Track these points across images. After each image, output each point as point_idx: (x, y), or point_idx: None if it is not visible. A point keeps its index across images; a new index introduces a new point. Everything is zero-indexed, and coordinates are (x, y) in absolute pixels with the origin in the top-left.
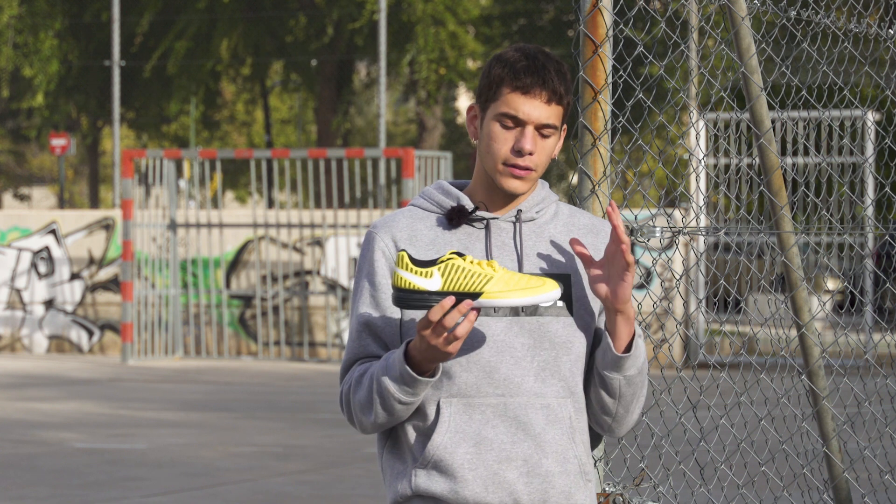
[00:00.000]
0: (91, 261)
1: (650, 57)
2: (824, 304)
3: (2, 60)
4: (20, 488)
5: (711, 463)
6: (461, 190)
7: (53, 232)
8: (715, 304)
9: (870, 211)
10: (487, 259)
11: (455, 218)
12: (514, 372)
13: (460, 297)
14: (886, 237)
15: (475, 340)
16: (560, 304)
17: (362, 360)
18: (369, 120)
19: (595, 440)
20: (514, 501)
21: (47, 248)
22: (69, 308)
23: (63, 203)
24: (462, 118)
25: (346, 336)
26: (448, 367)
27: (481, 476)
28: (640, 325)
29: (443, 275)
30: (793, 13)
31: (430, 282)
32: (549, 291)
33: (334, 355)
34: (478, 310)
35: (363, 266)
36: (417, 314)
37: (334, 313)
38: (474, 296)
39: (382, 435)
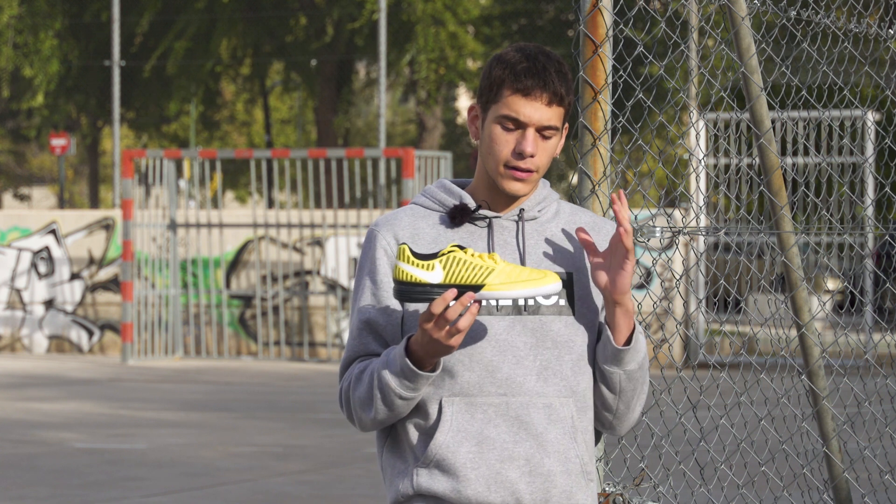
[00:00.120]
0: (91, 261)
1: (650, 57)
2: (824, 304)
3: (2, 60)
4: (20, 488)
5: (711, 463)
6: (463, 188)
7: (53, 232)
8: (715, 304)
9: (870, 211)
10: None
11: (458, 216)
12: (516, 371)
13: (462, 289)
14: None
15: (477, 339)
16: (562, 302)
17: (362, 358)
18: (369, 120)
19: (595, 440)
20: (517, 501)
21: (47, 248)
22: (69, 308)
23: (63, 203)
24: (462, 118)
25: (346, 336)
26: (450, 366)
27: (483, 475)
28: (639, 325)
29: (444, 267)
30: (793, 13)
31: (431, 274)
32: (551, 283)
33: (334, 355)
34: (479, 302)
35: (365, 264)
36: (419, 309)
37: (334, 313)
38: (476, 288)
39: (382, 433)
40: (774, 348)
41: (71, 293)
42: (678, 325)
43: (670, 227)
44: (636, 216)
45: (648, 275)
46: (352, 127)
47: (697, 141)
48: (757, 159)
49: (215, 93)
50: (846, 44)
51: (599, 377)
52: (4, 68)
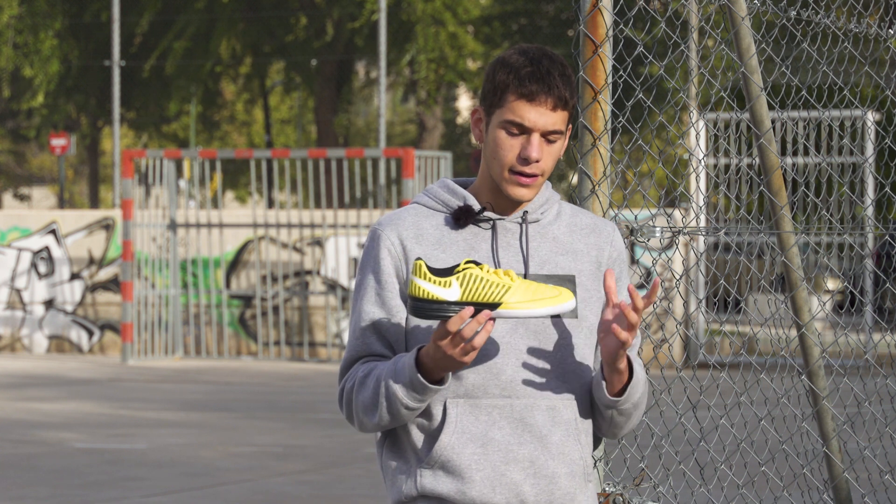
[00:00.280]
0: (91, 261)
1: (650, 57)
2: (824, 304)
3: (2, 60)
4: (20, 488)
5: (711, 463)
6: (465, 188)
7: (53, 232)
8: (715, 304)
9: (870, 211)
10: (494, 259)
11: (462, 218)
12: (519, 373)
13: (479, 307)
14: (886, 237)
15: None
16: None
17: (365, 359)
18: (369, 120)
19: (595, 440)
20: (521, 502)
21: (47, 248)
22: (69, 308)
23: (63, 203)
24: (462, 118)
25: (346, 336)
26: None
27: (488, 476)
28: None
29: (461, 285)
30: (793, 13)
31: (448, 292)
32: (566, 302)
33: (334, 355)
34: (494, 319)
35: (368, 263)
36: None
37: (334, 313)
38: (493, 306)
39: (381, 433)
40: (774, 348)
41: (71, 293)
42: (678, 325)
43: (670, 227)
44: (636, 216)
45: (648, 275)
46: (352, 127)
47: (697, 141)
48: (757, 159)
49: (215, 93)
50: (846, 44)
51: (594, 404)
52: (4, 68)
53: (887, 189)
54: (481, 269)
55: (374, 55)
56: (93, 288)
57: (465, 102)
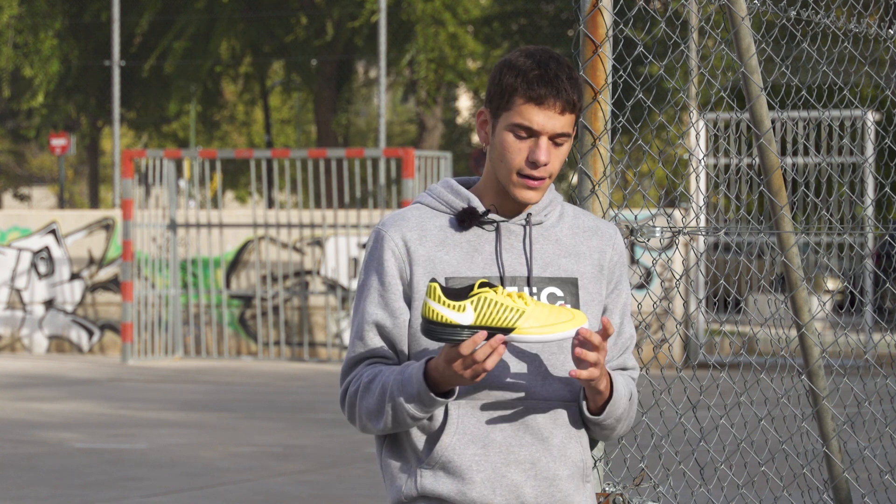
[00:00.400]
0: (91, 261)
1: (650, 57)
2: (824, 304)
3: (2, 60)
4: (20, 488)
5: (711, 463)
6: (468, 188)
7: (53, 232)
8: (715, 304)
9: (870, 211)
10: (497, 261)
11: (466, 220)
12: (521, 375)
13: (492, 331)
14: (886, 237)
15: None
16: (567, 307)
17: (369, 361)
18: (369, 120)
19: (592, 441)
20: (521, 503)
21: (47, 248)
22: (69, 308)
23: (63, 203)
24: (462, 118)
25: (346, 336)
26: None
27: (488, 477)
28: (640, 325)
29: (475, 308)
30: (793, 13)
31: (462, 316)
32: (579, 325)
33: (334, 355)
34: (506, 343)
35: (371, 263)
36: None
37: (334, 313)
38: (506, 331)
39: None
40: (774, 348)
41: (71, 293)
42: (678, 325)
43: (670, 227)
44: (636, 216)
45: (648, 275)
46: (352, 127)
47: (697, 141)
48: (757, 159)
49: (215, 93)
50: (846, 44)
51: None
52: (4, 68)
53: (887, 189)
54: (496, 291)
55: (373, 55)
56: (93, 288)
57: (464, 102)
